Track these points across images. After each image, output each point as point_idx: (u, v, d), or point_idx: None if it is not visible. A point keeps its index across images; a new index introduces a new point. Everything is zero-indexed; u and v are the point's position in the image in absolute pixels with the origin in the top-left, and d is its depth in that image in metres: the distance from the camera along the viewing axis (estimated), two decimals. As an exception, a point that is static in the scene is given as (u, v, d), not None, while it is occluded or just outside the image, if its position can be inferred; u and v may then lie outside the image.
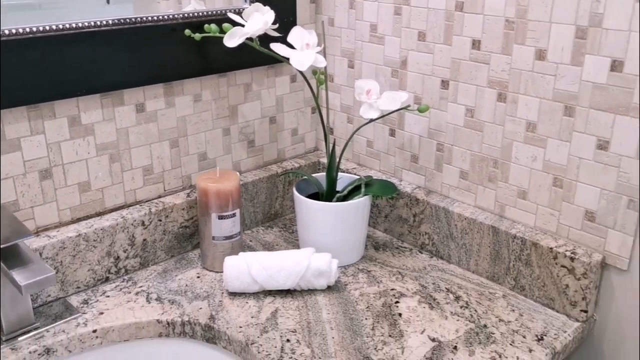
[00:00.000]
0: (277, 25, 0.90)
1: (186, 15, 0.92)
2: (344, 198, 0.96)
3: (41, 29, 0.78)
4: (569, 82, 0.79)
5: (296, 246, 1.02)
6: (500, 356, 0.76)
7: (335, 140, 1.09)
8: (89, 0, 0.88)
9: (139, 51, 0.88)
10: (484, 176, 0.92)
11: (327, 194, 0.97)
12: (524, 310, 0.85)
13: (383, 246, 1.03)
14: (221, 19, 0.93)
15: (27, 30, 0.77)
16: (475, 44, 0.88)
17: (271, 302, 0.87)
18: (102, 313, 0.84)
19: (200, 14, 0.93)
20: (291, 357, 0.75)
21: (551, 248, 0.84)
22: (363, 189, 0.95)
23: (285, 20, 1.01)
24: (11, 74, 0.77)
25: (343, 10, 1.05)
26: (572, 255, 0.82)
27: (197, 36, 0.90)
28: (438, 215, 0.97)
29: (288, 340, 0.79)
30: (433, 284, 0.92)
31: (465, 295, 0.89)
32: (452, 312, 0.85)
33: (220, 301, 0.87)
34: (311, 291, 0.89)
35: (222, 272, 0.93)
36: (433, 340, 0.79)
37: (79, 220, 0.89)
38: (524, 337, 0.80)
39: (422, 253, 1.01)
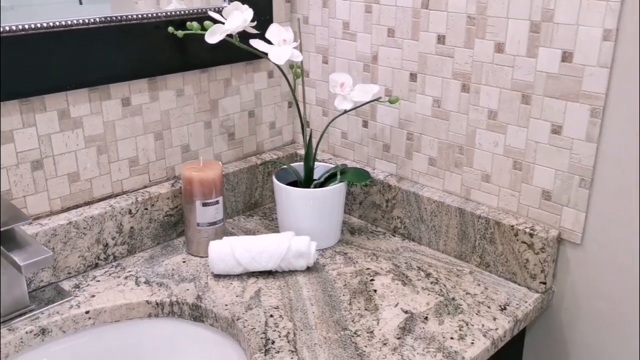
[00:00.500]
0: (255, 23, 0.96)
1: (169, 13, 0.97)
2: (321, 185, 1.02)
3: (33, 26, 0.82)
4: (525, 72, 0.86)
5: (276, 232, 1.07)
6: (467, 324, 0.83)
7: (312, 132, 1.15)
8: (61, 1, 0.91)
9: (124, 48, 0.93)
10: (450, 162, 0.99)
11: (305, 181, 1.03)
12: (489, 284, 0.92)
13: (358, 231, 1.09)
14: (202, 17, 0.98)
15: (20, 27, 0.81)
16: (440, 39, 0.95)
17: (254, 282, 0.92)
18: (93, 296, 0.88)
19: (182, 12, 0.99)
20: (275, 330, 0.81)
21: (512, 226, 0.91)
22: (339, 176, 1.01)
23: (262, 18, 1.06)
24: (3, 69, 0.81)
25: (317, 8, 1.11)
26: (531, 231, 0.89)
27: (180, 33, 0.95)
28: (409, 200, 1.03)
29: (271, 316, 0.84)
30: (405, 263, 0.98)
31: (435, 273, 0.95)
32: (423, 288, 0.91)
33: (206, 283, 0.92)
34: (292, 272, 0.95)
35: (206, 257, 0.98)
36: (406, 312, 0.85)
37: (69, 209, 0.94)
38: (489, 307, 0.87)
39: (394, 236, 1.07)
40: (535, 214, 0.91)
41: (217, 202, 0.98)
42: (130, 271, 0.95)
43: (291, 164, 1.06)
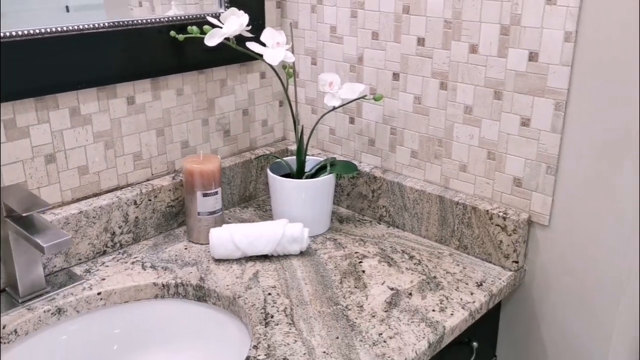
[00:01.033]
0: (250, 27, 1.04)
1: (170, 18, 1.05)
2: (312, 176, 1.10)
3: (48, 30, 0.89)
4: (496, 71, 0.95)
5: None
6: (447, 299, 0.92)
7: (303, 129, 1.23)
8: (49, 8, 0.97)
9: (129, 50, 1.00)
10: (430, 154, 1.08)
11: (297, 173, 1.11)
12: (467, 264, 1.01)
13: (346, 219, 1.18)
14: (200, 22, 1.06)
15: (36, 31, 0.88)
16: (420, 41, 1.04)
17: (252, 265, 1.00)
18: (104, 279, 0.95)
19: (182, 17, 1.06)
20: (273, 306, 0.89)
21: (487, 211, 1.00)
22: (328, 168, 1.09)
23: (255, 23, 1.14)
24: (20, 69, 0.88)
25: (306, 14, 1.19)
26: (504, 215, 0.98)
27: (181, 37, 1.03)
28: (393, 189, 1.12)
29: (269, 294, 0.92)
30: (390, 247, 1.07)
31: (417, 255, 1.04)
32: (407, 268, 1.00)
33: (207, 267, 1.00)
34: (286, 256, 1.03)
35: (207, 244, 1.06)
36: (392, 289, 0.94)
37: (78, 200, 1.01)
38: (467, 284, 0.96)
39: (380, 224, 1.16)
40: (508, 199, 1.00)
41: (216, 193, 1.05)
42: (136, 257, 1.02)
43: (284, 158, 1.14)
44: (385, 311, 0.88)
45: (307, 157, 1.13)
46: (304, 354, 0.79)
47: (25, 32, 0.87)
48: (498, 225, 0.99)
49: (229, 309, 0.93)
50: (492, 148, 1.00)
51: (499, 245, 1.00)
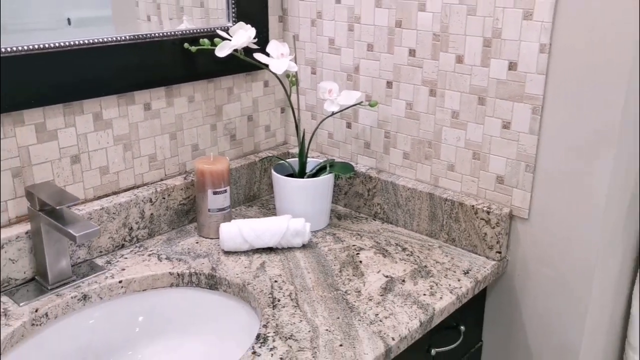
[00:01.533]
0: (256, 40, 1.14)
1: (182, 32, 1.15)
2: (313, 176, 1.20)
3: (75, 42, 0.99)
4: (480, 79, 1.06)
5: (274, 219, 1.25)
6: (436, 285, 1.01)
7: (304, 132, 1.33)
8: (51, 23, 1.02)
9: (146, 60, 1.10)
10: (421, 155, 1.18)
11: (299, 173, 1.21)
12: (455, 255, 1.11)
13: (344, 216, 1.27)
14: (210, 35, 1.16)
15: (64, 44, 0.98)
16: (412, 53, 1.14)
17: (259, 257, 1.10)
18: (124, 269, 1.04)
19: (194, 31, 1.16)
20: (279, 292, 0.98)
21: (473, 206, 1.10)
22: (328, 168, 1.19)
23: (261, 36, 1.24)
24: (51, 78, 0.97)
25: (306, 27, 1.29)
26: (488, 210, 1.08)
27: (193, 48, 1.13)
28: (387, 188, 1.22)
29: (276, 281, 1.02)
30: (385, 240, 1.16)
31: (410, 247, 1.14)
32: (400, 259, 1.09)
33: (218, 258, 1.09)
34: (290, 249, 1.13)
35: (217, 238, 1.15)
36: (386, 277, 1.03)
37: (99, 197, 1.10)
38: (454, 272, 1.05)
39: (375, 220, 1.25)
40: (491, 195, 1.10)
41: (225, 191, 1.15)
42: (152, 250, 1.11)
43: (287, 160, 1.24)
44: (381, 295, 0.98)
45: (307, 158, 1.23)
46: (309, 331, 0.88)
47: (55, 44, 0.97)
48: (483, 219, 1.09)
49: (238, 295, 1.02)
50: (477, 149, 1.10)
51: (483, 237, 1.10)
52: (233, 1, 1.21)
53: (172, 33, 1.13)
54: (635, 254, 1.18)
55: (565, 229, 1.03)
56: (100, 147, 1.08)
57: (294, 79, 1.17)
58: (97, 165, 1.08)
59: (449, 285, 1.01)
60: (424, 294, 0.98)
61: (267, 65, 1.11)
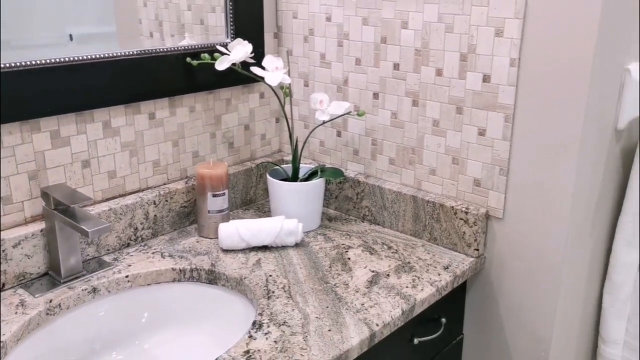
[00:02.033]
0: (253, 54, 1.24)
1: (185, 47, 1.25)
2: (305, 180, 1.29)
3: (86, 57, 1.09)
4: (458, 90, 1.16)
5: (269, 220, 1.34)
6: (418, 278, 1.10)
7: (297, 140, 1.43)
8: (53, 39, 1.08)
9: (151, 73, 1.19)
10: (405, 161, 1.28)
11: (293, 178, 1.30)
12: (436, 253, 1.20)
13: (335, 219, 1.36)
14: (210, 50, 1.25)
15: (77, 58, 1.07)
16: (396, 66, 1.24)
17: (255, 254, 1.18)
18: (130, 265, 1.13)
19: (195, 46, 1.26)
20: (274, 285, 1.07)
21: (452, 207, 1.19)
22: (319, 173, 1.28)
23: (257, 51, 1.34)
24: (64, 89, 1.07)
25: (299, 43, 1.39)
26: (467, 210, 1.17)
27: (195, 62, 1.23)
28: (374, 192, 1.31)
29: (270, 276, 1.10)
30: (372, 240, 1.25)
31: (395, 246, 1.23)
32: (385, 256, 1.18)
33: (217, 255, 1.18)
34: (284, 247, 1.21)
35: (216, 238, 1.24)
36: (372, 271, 1.12)
37: (107, 199, 1.19)
38: (435, 267, 1.14)
39: (363, 222, 1.34)
40: (469, 197, 1.19)
41: (224, 194, 1.24)
42: (155, 249, 1.20)
43: (281, 165, 1.33)
44: (367, 288, 1.06)
45: (300, 164, 1.32)
46: (300, 318, 0.97)
47: (68, 58, 1.06)
48: (462, 219, 1.18)
49: (236, 288, 1.11)
50: (455, 154, 1.19)
51: (462, 236, 1.19)
52: (231, 19, 1.31)
53: (175, 48, 1.23)
54: (604, 251, 1.27)
55: (536, 227, 1.12)
56: (108, 152, 1.17)
57: (287, 90, 1.26)
58: (105, 169, 1.17)
59: (430, 279, 1.10)
60: (407, 287, 1.07)
61: (263, 78, 1.20)
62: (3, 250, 1.02)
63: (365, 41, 1.27)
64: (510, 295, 1.19)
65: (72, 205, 1.00)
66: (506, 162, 1.13)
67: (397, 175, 1.30)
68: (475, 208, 1.17)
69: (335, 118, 1.27)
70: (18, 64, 1.00)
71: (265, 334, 0.93)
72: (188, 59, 1.23)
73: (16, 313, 0.97)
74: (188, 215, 1.30)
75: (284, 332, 0.94)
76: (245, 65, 1.23)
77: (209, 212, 1.24)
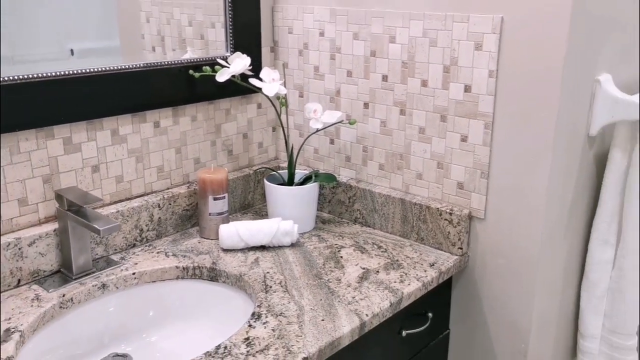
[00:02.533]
0: (251, 67, 1.33)
1: (187, 60, 1.33)
2: (300, 184, 1.37)
3: (98, 69, 1.17)
4: (442, 100, 1.25)
5: (266, 223, 1.42)
6: (406, 274, 1.18)
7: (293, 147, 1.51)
8: (55, 53, 1.15)
9: (156, 85, 1.28)
10: (394, 166, 1.36)
11: (288, 182, 1.38)
12: (423, 252, 1.28)
13: (328, 221, 1.45)
14: (211, 63, 1.34)
15: (88, 70, 1.16)
16: (384, 78, 1.33)
17: (253, 254, 1.26)
18: (136, 263, 1.21)
19: (197, 60, 1.35)
20: (271, 280, 1.15)
21: (438, 209, 1.28)
22: (313, 178, 1.37)
23: (254, 64, 1.43)
24: (75, 99, 1.15)
25: (294, 56, 1.48)
26: (451, 211, 1.26)
27: (197, 75, 1.31)
28: (365, 195, 1.40)
29: (268, 272, 1.18)
30: (363, 240, 1.34)
31: (384, 246, 1.31)
32: (376, 254, 1.27)
33: (217, 255, 1.26)
34: (280, 247, 1.29)
35: (216, 239, 1.32)
36: (363, 268, 1.20)
37: (115, 202, 1.27)
38: (422, 264, 1.22)
39: (355, 224, 1.43)
40: (453, 199, 1.28)
41: (224, 197, 1.32)
42: (160, 249, 1.28)
43: (278, 171, 1.42)
44: (358, 283, 1.15)
45: (296, 170, 1.40)
46: (296, 310, 1.05)
47: (84, 70, 1.15)
48: (446, 220, 1.27)
49: (236, 285, 1.18)
50: (440, 159, 1.28)
51: (447, 235, 1.27)
52: (231, 34, 1.40)
53: (179, 62, 1.31)
54: (581, 251, 1.36)
55: (514, 226, 1.21)
56: (116, 158, 1.25)
57: (284, 100, 1.35)
58: (113, 174, 1.25)
59: (417, 275, 1.18)
60: (395, 282, 1.15)
61: (260, 89, 1.29)
62: (19, 249, 1.10)
63: (355, 55, 1.36)
64: (492, 291, 1.27)
65: (84, 206, 1.08)
66: (487, 166, 1.21)
67: (386, 179, 1.38)
68: (459, 209, 1.26)
69: (328, 126, 1.35)
70: (35, 75, 1.09)
71: (264, 323, 1.01)
72: (190, 71, 1.31)
73: (32, 306, 1.05)
74: (190, 218, 1.38)
75: (280, 321, 1.01)
76: (244, 77, 1.32)
77: (210, 214, 1.32)
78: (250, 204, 1.52)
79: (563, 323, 1.38)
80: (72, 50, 1.21)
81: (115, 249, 1.25)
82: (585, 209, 1.32)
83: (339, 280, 1.15)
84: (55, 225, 1.15)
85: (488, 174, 1.22)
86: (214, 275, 1.21)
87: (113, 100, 1.21)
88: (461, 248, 1.26)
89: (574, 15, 1.06)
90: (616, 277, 1.33)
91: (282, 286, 1.13)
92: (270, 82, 1.29)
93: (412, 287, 1.14)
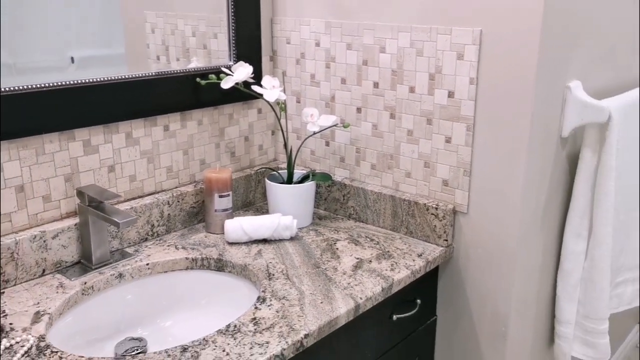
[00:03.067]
0: (253, 75, 1.44)
1: (193, 69, 1.45)
2: (298, 183, 1.49)
3: (113, 77, 1.28)
4: (428, 105, 1.37)
5: (267, 219, 1.53)
6: (396, 263, 1.30)
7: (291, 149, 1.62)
8: (55, 61, 1.21)
9: (166, 92, 1.39)
10: (385, 166, 1.48)
11: (287, 181, 1.50)
12: (412, 244, 1.40)
13: (324, 218, 1.56)
14: (215, 72, 1.46)
15: (104, 78, 1.27)
16: (376, 85, 1.45)
17: (256, 246, 1.38)
18: (149, 255, 1.32)
19: (202, 68, 1.46)
20: (273, 269, 1.26)
21: (425, 204, 1.40)
22: (311, 177, 1.49)
23: (255, 72, 1.54)
24: (94, 105, 1.26)
25: (292, 65, 1.60)
26: (437, 206, 1.38)
27: (203, 82, 1.43)
28: (358, 193, 1.51)
29: (270, 262, 1.29)
30: (357, 234, 1.45)
31: (376, 238, 1.43)
32: (368, 246, 1.38)
33: (223, 247, 1.37)
34: (281, 240, 1.41)
35: (222, 234, 1.43)
36: (357, 259, 1.32)
37: (129, 200, 1.38)
38: (411, 255, 1.34)
39: (349, 220, 1.54)
40: (439, 196, 1.40)
41: (228, 195, 1.43)
42: (170, 242, 1.39)
43: (278, 171, 1.53)
44: (352, 271, 1.26)
45: (294, 170, 1.52)
46: (297, 294, 1.16)
47: (101, 78, 1.26)
48: (433, 214, 1.38)
49: (241, 274, 1.30)
50: (427, 159, 1.40)
51: (434, 229, 1.39)
52: (234, 44, 1.51)
53: (186, 70, 1.43)
54: (557, 243, 1.48)
55: (494, 220, 1.33)
56: (130, 159, 1.36)
57: (283, 105, 1.47)
58: (127, 174, 1.36)
59: (406, 264, 1.30)
60: (386, 270, 1.27)
61: (262, 95, 1.41)
62: (44, 241, 1.21)
63: (349, 63, 1.48)
64: (475, 279, 1.39)
65: (104, 201, 1.19)
66: (469, 165, 1.33)
67: (378, 178, 1.50)
68: (444, 205, 1.38)
69: (324, 129, 1.47)
70: (57, 83, 1.20)
71: (269, 305, 1.12)
72: (197, 79, 1.43)
73: (57, 292, 1.15)
74: (197, 214, 1.49)
75: (283, 304, 1.13)
76: (246, 84, 1.43)
77: (215, 211, 1.43)
78: (252, 202, 1.63)
79: (541, 309, 1.50)
80: (72, 59, 1.29)
81: (129, 243, 1.36)
82: (559, 204, 1.45)
83: (335, 268, 1.27)
84: (75, 220, 1.25)
85: (470, 172, 1.34)
86: (220, 265, 1.32)
87: (127, 106, 1.32)
88: (446, 240, 1.38)
89: (544, 29, 1.18)
90: (588, 267, 1.46)
91: (283, 274, 1.24)
92: (271, 88, 1.41)
93: (401, 274, 1.25)
